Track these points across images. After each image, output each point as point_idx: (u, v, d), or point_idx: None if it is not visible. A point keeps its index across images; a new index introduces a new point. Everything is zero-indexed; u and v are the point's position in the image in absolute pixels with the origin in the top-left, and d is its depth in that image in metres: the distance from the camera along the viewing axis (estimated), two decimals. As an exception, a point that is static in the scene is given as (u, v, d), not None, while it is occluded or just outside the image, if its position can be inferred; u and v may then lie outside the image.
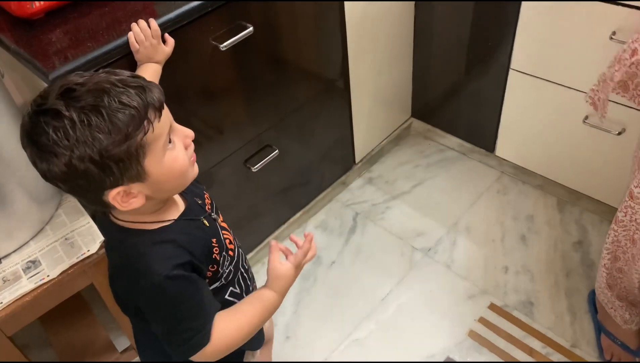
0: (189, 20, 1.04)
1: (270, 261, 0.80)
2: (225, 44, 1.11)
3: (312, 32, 1.37)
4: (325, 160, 1.67)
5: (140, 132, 0.63)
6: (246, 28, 1.15)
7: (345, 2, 1.38)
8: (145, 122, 0.64)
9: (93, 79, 0.64)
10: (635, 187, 1.01)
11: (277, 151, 1.41)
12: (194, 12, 1.04)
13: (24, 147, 0.64)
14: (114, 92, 0.62)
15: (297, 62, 1.39)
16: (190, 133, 0.72)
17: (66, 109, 0.61)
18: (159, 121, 0.65)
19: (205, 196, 0.85)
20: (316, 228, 1.72)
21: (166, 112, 0.67)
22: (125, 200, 0.67)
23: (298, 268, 0.81)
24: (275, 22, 1.26)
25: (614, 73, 1.01)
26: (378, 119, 1.78)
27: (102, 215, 0.76)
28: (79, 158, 0.61)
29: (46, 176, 0.64)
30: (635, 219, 1.04)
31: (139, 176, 0.66)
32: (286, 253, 0.83)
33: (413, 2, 1.61)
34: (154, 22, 0.97)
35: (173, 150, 0.69)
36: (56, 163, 0.62)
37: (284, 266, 0.80)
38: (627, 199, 1.05)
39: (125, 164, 0.64)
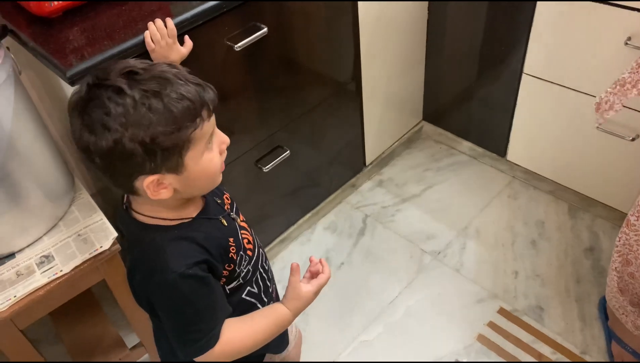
0: (204, 20, 1.05)
1: (291, 282, 0.82)
2: (239, 44, 1.12)
3: (325, 35, 1.38)
4: (336, 162, 1.67)
5: (191, 127, 0.66)
6: (261, 29, 1.16)
7: (360, 5, 1.38)
8: (198, 119, 0.66)
9: (156, 67, 0.66)
10: (649, 192, 1.01)
11: (288, 152, 1.42)
12: (210, 12, 1.05)
13: (73, 116, 0.65)
14: (176, 83, 0.65)
15: (310, 63, 1.40)
16: (227, 140, 0.75)
17: (129, 89, 0.63)
18: (208, 121, 0.68)
19: (225, 196, 0.86)
20: (325, 230, 1.72)
21: (213, 114, 0.70)
22: (156, 189, 0.69)
23: (317, 293, 0.83)
24: (290, 24, 1.26)
25: (637, 80, 0.99)
26: (389, 122, 1.78)
27: (123, 210, 0.77)
28: (130, 138, 0.62)
29: (88, 148, 0.64)
30: (648, 224, 1.03)
31: (177, 168, 0.68)
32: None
33: (426, 5, 1.61)
34: (170, 22, 0.98)
35: (210, 151, 0.71)
36: (106, 137, 0.62)
37: (305, 288, 0.82)
38: (639, 203, 1.04)
39: (169, 153, 0.66)
